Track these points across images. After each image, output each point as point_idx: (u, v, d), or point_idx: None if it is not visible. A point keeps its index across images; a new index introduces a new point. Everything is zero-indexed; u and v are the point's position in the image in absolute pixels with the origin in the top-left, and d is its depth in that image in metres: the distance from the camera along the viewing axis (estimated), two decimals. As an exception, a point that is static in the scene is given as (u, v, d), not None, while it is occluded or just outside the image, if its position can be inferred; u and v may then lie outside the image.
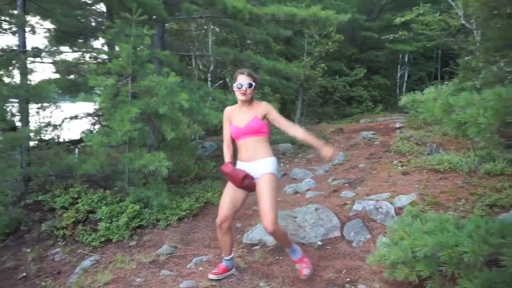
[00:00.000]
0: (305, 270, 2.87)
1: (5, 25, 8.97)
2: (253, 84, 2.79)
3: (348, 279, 2.95)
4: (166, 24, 8.11)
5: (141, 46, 5.02)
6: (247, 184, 2.75)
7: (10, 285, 3.36)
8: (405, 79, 17.40)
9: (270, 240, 3.77)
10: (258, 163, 2.80)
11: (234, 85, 2.81)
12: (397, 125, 10.07)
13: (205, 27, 11.15)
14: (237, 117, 2.88)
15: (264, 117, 2.82)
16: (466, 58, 6.75)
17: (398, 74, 17.25)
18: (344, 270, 3.11)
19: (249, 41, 12.55)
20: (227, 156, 2.90)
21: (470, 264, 2.01)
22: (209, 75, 10.93)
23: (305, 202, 4.72)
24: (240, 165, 2.91)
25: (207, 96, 7.08)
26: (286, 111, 13.03)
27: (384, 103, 17.08)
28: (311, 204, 4.37)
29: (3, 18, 6.52)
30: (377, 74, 17.71)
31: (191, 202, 4.92)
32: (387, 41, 14.17)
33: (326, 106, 15.82)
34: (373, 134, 9.01)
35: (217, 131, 10.59)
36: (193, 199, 5.03)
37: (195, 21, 10.58)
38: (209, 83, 10.44)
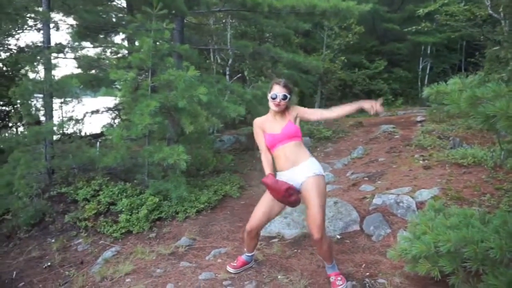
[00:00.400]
0: (338, 281, 2.72)
1: (30, 22, 9.21)
2: (288, 96, 2.70)
3: (367, 274, 2.91)
4: (185, 19, 8.14)
5: (161, 40, 5.06)
6: (290, 199, 2.58)
7: (36, 273, 3.48)
8: (427, 72, 16.94)
9: (289, 233, 3.76)
10: (301, 167, 2.68)
11: (269, 94, 2.72)
12: (419, 118, 9.84)
13: (224, 20, 11.13)
14: (270, 125, 2.79)
15: (296, 119, 2.77)
16: (493, 49, 6.51)
17: (420, 67, 16.81)
18: (364, 264, 3.07)
19: (268, 35, 12.47)
20: (267, 167, 2.76)
21: (496, 261, 1.94)
22: (227, 68, 10.93)
23: (324, 196, 4.67)
24: (282, 175, 2.75)
25: (226, 89, 7.07)
26: (304, 104, 12.88)
27: (405, 97, 16.70)
28: (330, 198, 4.33)
29: (28, 15, 6.68)
30: (398, 66, 17.31)
31: (209, 195, 4.95)
32: (409, 33, 13.76)
33: (345, 99, 15.53)
34: (393, 127, 8.83)
35: (235, 124, 10.62)
36: (211, 192, 5.07)
37: (214, 15, 10.58)
38: (227, 76, 10.44)
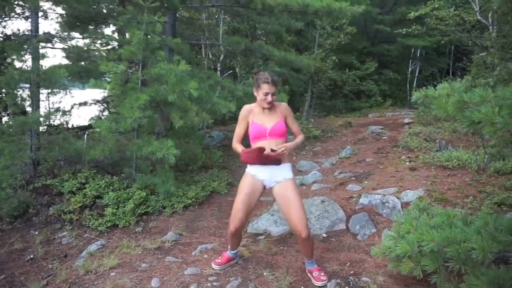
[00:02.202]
0: (322, 276, 2.78)
1: (18, 10, 9.01)
2: (276, 93, 2.71)
3: (352, 272, 2.95)
4: (178, 13, 8.08)
5: (152, 34, 5.01)
6: (270, 158, 2.63)
7: (17, 266, 3.42)
8: (416, 75, 17.15)
9: (275, 231, 3.78)
10: (282, 167, 2.74)
11: (259, 92, 2.70)
12: (406, 120, 9.98)
13: (217, 16, 11.08)
14: (260, 117, 2.77)
15: (285, 119, 2.81)
16: (480, 54, 6.62)
17: (409, 69, 17.01)
18: (348, 263, 3.10)
19: (260, 32, 12.47)
20: (239, 146, 2.83)
21: (477, 261, 1.99)
22: (218, 64, 10.90)
23: (311, 194, 4.71)
24: (258, 170, 2.78)
25: (217, 85, 7.05)
26: (294, 103, 12.96)
27: (393, 98, 16.90)
28: (317, 196, 4.37)
29: (16, 2, 6.54)
30: (388, 68, 17.48)
31: (197, 190, 4.94)
32: (399, 36, 13.95)
33: (335, 99, 15.69)
34: (382, 129, 8.94)
35: (224, 121, 10.61)
36: (199, 188, 5.05)
37: (206, 10, 10.53)
38: (218, 72, 10.41)
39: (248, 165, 2.85)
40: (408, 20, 11.93)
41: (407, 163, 5.63)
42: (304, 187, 5.42)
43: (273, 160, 2.66)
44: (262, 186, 2.80)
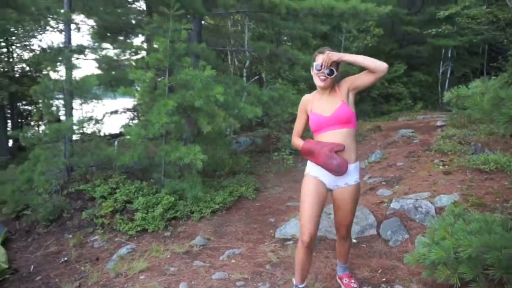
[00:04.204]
0: (353, 284, 2.68)
1: (53, 23, 9.46)
2: (335, 72, 2.27)
3: (384, 279, 2.84)
4: (203, 20, 8.21)
5: (178, 41, 5.10)
6: (334, 161, 2.17)
7: (53, 268, 3.54)
8: (448, 76, 16.57)
9: (303, 236, 3.72)
10: (348, 168, 2.25)
11: (313, 66, 2.30)
12: (439, 123, 9.62)
13: (242, 22, 11.18)
14: (319, 104, 2.33)
15: (349, 96, 2.31)
16: (517, 52, 6.32)
17: (440, 71, 16.46)
18: (380, 270, 3.00)
19: (285, 37, 12.46)
20: (299, 140, 2.43)
21: (520, 268, 1.86)
22: (244, 70, 10.97)
23: (340, 199, 4.61)
24: (318, 168, 2.31)
25: (243, 90, 7.09)
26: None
27: (424, 101, 16.37)
28: (347, 201, 4.26)
29: (51, 16, 6.85)
30: (418, 70, 16.98)
31: (224, 195, 4.95)
32: (429, 36, 13.55)
33: (363, 103, 15.39)
34: (412, 132, 8.66)
35: (251, 126, 10.64)
36: (226, 193, 5.07)
37: (231, 17, 10.64)
38: (244, 78, 10.47)
39: (308, 162, 2.42)
40: (437, 20, 11.59)
41: (441, 167, 5.41)
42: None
43: (337, 165, 2.18)
44: (326, 189, 2.37)
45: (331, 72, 2.24)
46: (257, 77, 11.49)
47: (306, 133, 2.52)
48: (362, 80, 2.27)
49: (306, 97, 2.44)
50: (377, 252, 3.36)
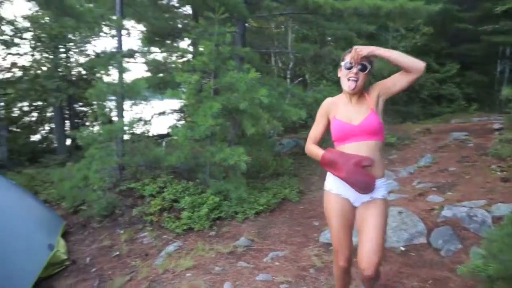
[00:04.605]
0: None
1: (106, 29, 10.01)
2: (368, 67, 1.99)
3: (435, 290, 2.72)
4: (247, 23, 8.29)
5: (222, 44, 5.20)
6: (360, 177, 1.90)
7: (106, 261, 3.74)
8: (506, 75, 15.51)
9: (349, 241, 3.64)
10: (376, 185, 2.00)
11: (342, 64, 2.05)
12: (496, 126, 9.01)
13: (285, 24, 11.17)
14: (345, 109, 2.07)
15: (378, 103, 2.05)
16: None
17: (498, 70, 15.44)
18: (431, 280, 2.86)
19: (329, 38, 12.28)
20: (317, 147, 2.15)
21: None
22: (288, 72, 10.95)
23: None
24: (339, 182, 2.05)
25: (287, 92, 7.07)
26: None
27: (479, 102, 15.40)
28: (394, 207, 4.12)
29: (104, 23, 7.24)
30: (472, 69, 16.03)
31: (268, 197, 4.97)
32: (484, 33, 12.73)
33: (412, 104, 14.78)
34: (466, 135, 8.19)
35: (295, 128, 10.59)
36: (270, 195, 5.08)
37: (275, 19, 10.67)
38: (288, 80, 10.45)
39: (328, 175, 2.17)
40: (494, 16, 10.86)
41: (498, 173, 5.07)
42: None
43: (363, 182, 1.93)
44: (351, 206, 2.11)
45: (363, 68, 1.98)
46: (301, 78, 11.43)
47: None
48: (395, 82, 2.00)
49: (330, 100, 2.17)
50: (427, 261, 3.21)
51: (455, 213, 3.78)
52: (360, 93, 2.06)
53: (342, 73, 2.05)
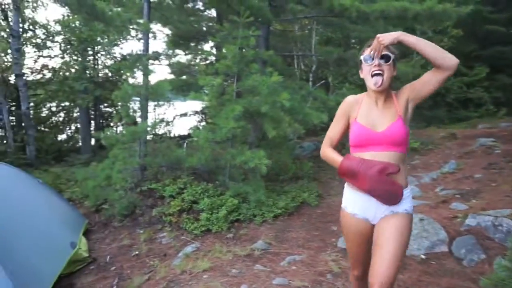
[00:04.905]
0: None
1: (133, 33, 10.27)
2: (391, 56, 1.74)
3: (456, 301, 2.63)
4: (271, 27, 8.30)
5: (246, 47, 5.23)
6: (385, 187, 1.68)
7: (125, 260, 3.82)
8: (539, 80, 14.86)
9: (368, 248, 3.58)
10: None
11: (361, 58, 1.81)
12: (526, 132, 8.67)
13: (309, 27, 11.13)
14: (368, 112, 1.81)
15: (407, 109, 1.81)
16: None
17: (530, 74, 14.82)
18: (452, 291, 2.78)
19: (353, 40, 12.14)
20: (335, 154, 1.86)
21: None
22: (311, 75, 10.89)
23: (409, 211, 4.36)
24: (359, 199, 1.84)
25: (309, 96, 7.03)
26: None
27: (509, 107, 14.82)
28: (415, 214, 4.02)
29: (131, 26, 7.43)
30: (502, 73, 15.46)
31: (287, 201, 4.95)
32: (516, 35, 12.25)
33: (437, 108, 14.37)
34: (494, 141, 7.90)
35: (316, 131, 10.50)
36: (289, 198, 5.06)
37: (299, 22, 10.64)
38: (310, 83, 10.40)
39: (346, 189, 1.94)
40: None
41: (527, 181, 4.88)
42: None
43: (388, 192, 1.70)
44: (370, 227, 1.86)
45: (387, 58, 1.73)
46: (323, 81, 11.33)
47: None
48: (424, 83, 1.74)
49: (352, 98, 1.89)
50: (449, 271, 3.12)
51: (479, 222, 3.66)
52: (387, 94, 1.81)
53: (364, 71, 1.82)
